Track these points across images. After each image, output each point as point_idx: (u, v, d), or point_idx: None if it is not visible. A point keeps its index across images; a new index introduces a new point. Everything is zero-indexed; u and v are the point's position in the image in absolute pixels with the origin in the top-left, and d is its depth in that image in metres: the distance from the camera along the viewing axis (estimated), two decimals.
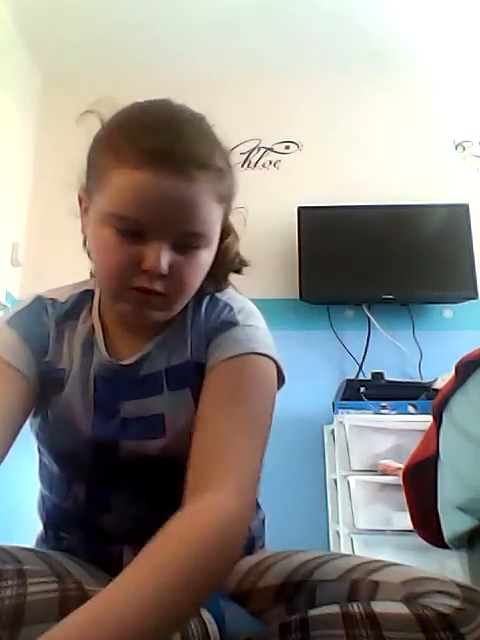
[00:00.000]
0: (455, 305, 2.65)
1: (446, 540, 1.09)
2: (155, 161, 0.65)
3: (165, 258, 0.68)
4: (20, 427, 0.73)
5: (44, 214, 2.83)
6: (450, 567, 1.32)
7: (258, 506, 0.89)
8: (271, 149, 2.86)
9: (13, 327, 0.77)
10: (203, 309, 0.80)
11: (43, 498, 0.86)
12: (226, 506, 0.60)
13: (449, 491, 1.07)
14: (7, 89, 2.58)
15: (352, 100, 2.90)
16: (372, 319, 2.59)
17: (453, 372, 1.10)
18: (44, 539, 0.85)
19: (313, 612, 0.61)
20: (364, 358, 2.55)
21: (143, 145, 0.66)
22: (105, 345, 0.80)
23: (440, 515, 1.09)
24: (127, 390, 0.78)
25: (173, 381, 0.78)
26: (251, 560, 0.79)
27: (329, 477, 2.32)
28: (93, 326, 0.81)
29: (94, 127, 0.78)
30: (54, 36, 2.71)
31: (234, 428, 0.67)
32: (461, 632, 0.56)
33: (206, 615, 0.62)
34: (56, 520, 0.84)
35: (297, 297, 2.58)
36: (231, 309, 0.79)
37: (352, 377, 2.43)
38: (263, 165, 2.85)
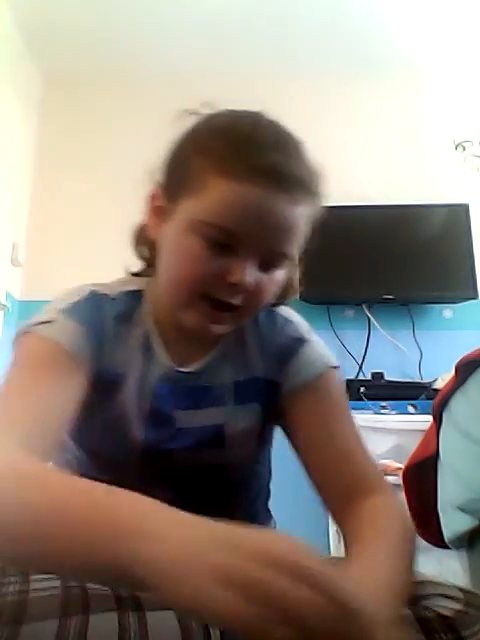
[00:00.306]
0: (455, 305, 2.65)
1: (446, 540, 1.09)
2: (266, 178, 0.64)
3: (252, 274, 0.67)
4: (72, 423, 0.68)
5: (44, 214, 2.83)
6: (450, 567, 1.32)
7: (269, 513, 0.90)
8: None
9: (73, 319, 0.70)
10: (261, 324, 0.80)
11: None
12: (398, 504, 0.70)
13: (449, 491, 1.07)
14: (7, 88, 2.58)
15: (352, 101, 2.90)
16: (372, 319, 2.59)
17: (453, 372, 1.10)
18: None
19: None
20: (364, 358, 2.55)
21: (254, 161, 0.64)
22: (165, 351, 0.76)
23: (440, 515, 1.09)
24: (186, 399, 0.76)
25: (242, 395, 0.77)
26: None
27: None
28: (148, 330, 0.76)
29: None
30: (54, 36, 2.71)
31: (355, 439, 0.74)
32: (462, 635, 0.56)
33: None
34: None
35: (297, 297, 2.57)
36: (294, 325, 0.81)
37: (352, 377, 2.43)
38: None
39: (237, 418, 0.76)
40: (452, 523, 1.07)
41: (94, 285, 0.76)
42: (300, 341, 0.78)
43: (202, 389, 0.76)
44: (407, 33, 2.68)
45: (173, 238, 0.70)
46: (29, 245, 2.78)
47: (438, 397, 1.14)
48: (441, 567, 1.50)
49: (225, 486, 0.77)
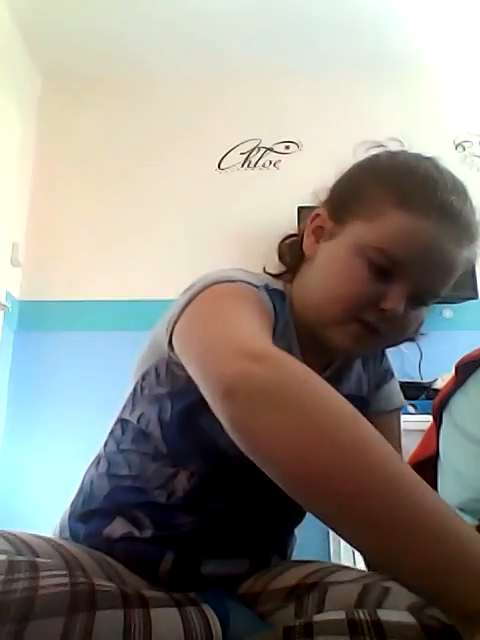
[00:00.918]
0: (455, 305, 2.64)
1: None
2: (443, 216, 0.69)
3: (404, 305, 0.71)
4: None
5: (44, 214, 2.83)
6: None
7: (294, 534, 0.91)
8: (271, 149, 2.86)
9: (250, 286, 0.72)
10: None
11: (111, 479, 0.80)
12: None
13: (449, 491, 1.07)
14: (7, 89, 2.58)
15: (352, 100, 2.90)
16: None
17: (453, 372, 1.10)
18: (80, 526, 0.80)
19: (318, 617, 0.61)
20: None
21: (437, 200, 0.69)
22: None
23: None
24: None
25: None
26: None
27: None
28: (289, 328, 0.79)
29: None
30: (54, 36, 2.71)
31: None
32: None
33: (210, 613, 0.62)
34: (119, 507, 0.78)
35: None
36: (386, 357, 0.91)
37: None
38: (263, 165, 2.85)
39: None
40: None
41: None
42: (391, 374, 0.91)
43: None
44: (407, 33, 2.68)
45: (335, 257, 0.74)
46: (29, 245, 2.78)
47: (438, 397, 1.13)
48: None
49: (280, 509, 0.78)
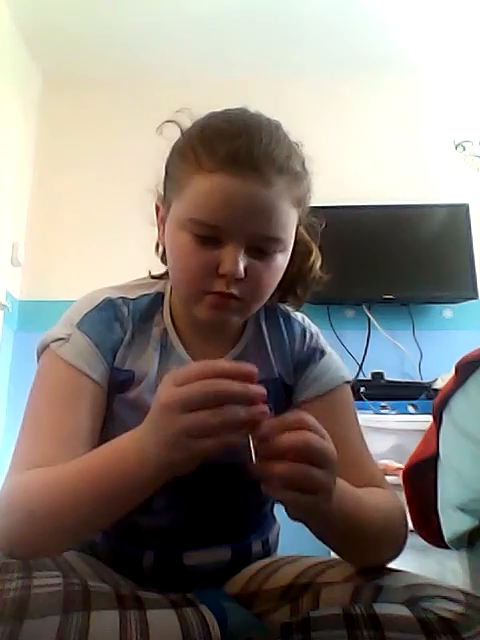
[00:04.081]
0: (455, 305, 2.65)
1: (446, 540, 1.09)
2: (232, 165, 0.67)
3: (242, 262, 0.69)
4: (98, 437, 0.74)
5: (44, 214, 2.83)
6: (450, 567, 1.32)
7: (274, 518, 0.91)
8: None
9: (84, 332, 0.75)
10: (283, 327, 0.84)
11: None
12: (400, 502, 0.76)
13: (449, 491, 1.07)
14: (7, 89, 2.58)
15: (352, 100, 2.90)
16: (372, 319, 2.59)
17: (453, 372, 1.10)
18: None
19: (315, 613, 0.61)
20: (364, 358, 2.55)
21: (220, 149, 0.67)
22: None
23: (440, 515, 1.09)
24: None
25: None
26: (258, 564, 0.80)
27: None
28: (165, 330, 0.80)
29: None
30: (54, 36, 2.71)
31: (363, 447, 0.80)
32: (463, 637, 0.56)
33: (208, 614, 0.62)
34: None
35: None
36: (312, 335, 0.85)
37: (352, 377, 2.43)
38: None
39: None
40: (452, 523, 1.07)
41: (110, 289, 0.80)
42: (320, 352, 0.84)
43: None
44: (407, 33, 2.68)
45: (168, 239, 0.75)
46: (29, 245, 2.78)
47: (438, 397, 1.14)
48: (441, 567, 1.50)
49: (237, 486, 0.78)
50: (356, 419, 0.82)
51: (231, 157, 0.67)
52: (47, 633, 0.51)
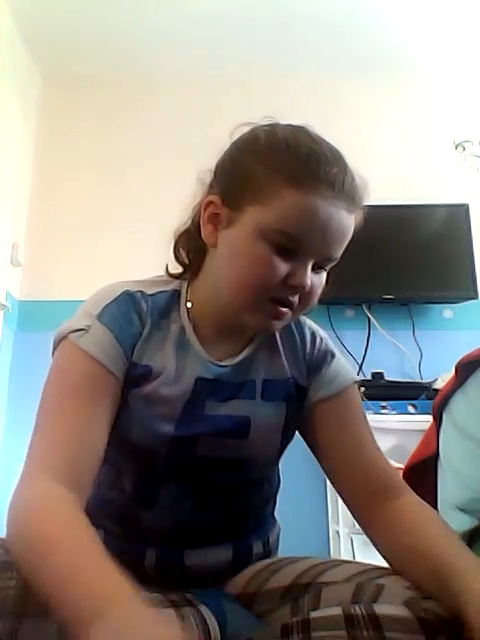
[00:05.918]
0: (455, 305, 2.65)
1: None
2: (330, 190, 0.72)
3: (310, 277, 0.74)
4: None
5: (44, 214, 2.83)
6: None
7: (274, 520, 0.92)
8: None
9: (104, 324, 0.75)
10: (294, 331, 0.87)
11: None
12: (421, 502, 0.79)
13: (449, 491, 1.07)
14: (7, 88, 2.58)
15: (352, 100, 2.90)
16: (372, 319, 2.59)
17: (453, 372, 1.10)
18: None
19: (315, 613, 0.61)
20: (364, 358, 2.55)
21: (322, 174, 0.72)
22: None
23: (440, 515, 1.09)
24: (217, 391, 0.80)
25: (270, 393, 0.82)
26: (259, 564, 0.81)
27: None
28: (182, 328, 0.81)
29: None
30: (54, 36, 2.71)
31: (376, 447, 0.82)
32: (462, 637, 0.56)
33: (207, 614, 0.62)
34: (90, 510, 0.82)
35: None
36: (322, 339, 0.89)
37: None
38: None
39: (263, 412, 0.81)
40: (452, 523, 1.06)
41: (127, 283, 0.81)
42: (331, 355, 0.87)
43: (234, 383, 0.81)
44: (407, 33, 2.68)
45: (239, 243, 0.75)
46: (29, 245, 2.78)
47: (438, 397, 1.13)
48: None
49: (241, 485, 0.80)
50: (366, 420, 0.85)
51: (330, 182, 0.72)
52: (47, 631, 0.51)
